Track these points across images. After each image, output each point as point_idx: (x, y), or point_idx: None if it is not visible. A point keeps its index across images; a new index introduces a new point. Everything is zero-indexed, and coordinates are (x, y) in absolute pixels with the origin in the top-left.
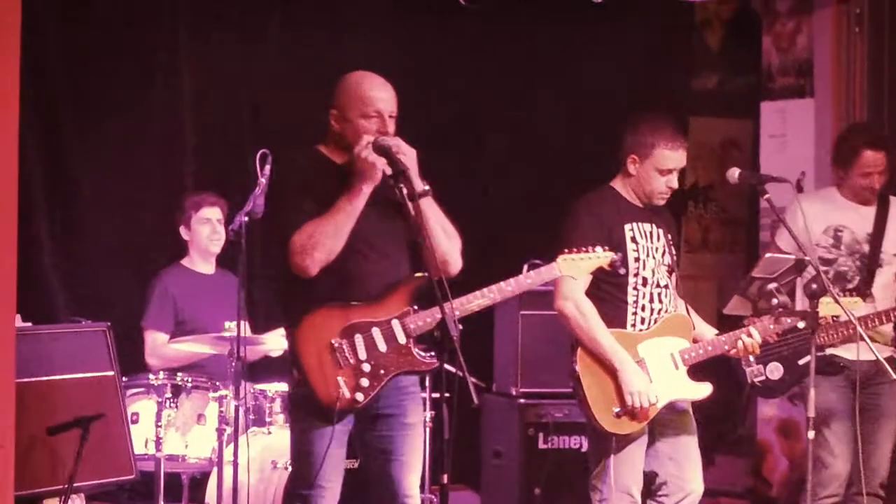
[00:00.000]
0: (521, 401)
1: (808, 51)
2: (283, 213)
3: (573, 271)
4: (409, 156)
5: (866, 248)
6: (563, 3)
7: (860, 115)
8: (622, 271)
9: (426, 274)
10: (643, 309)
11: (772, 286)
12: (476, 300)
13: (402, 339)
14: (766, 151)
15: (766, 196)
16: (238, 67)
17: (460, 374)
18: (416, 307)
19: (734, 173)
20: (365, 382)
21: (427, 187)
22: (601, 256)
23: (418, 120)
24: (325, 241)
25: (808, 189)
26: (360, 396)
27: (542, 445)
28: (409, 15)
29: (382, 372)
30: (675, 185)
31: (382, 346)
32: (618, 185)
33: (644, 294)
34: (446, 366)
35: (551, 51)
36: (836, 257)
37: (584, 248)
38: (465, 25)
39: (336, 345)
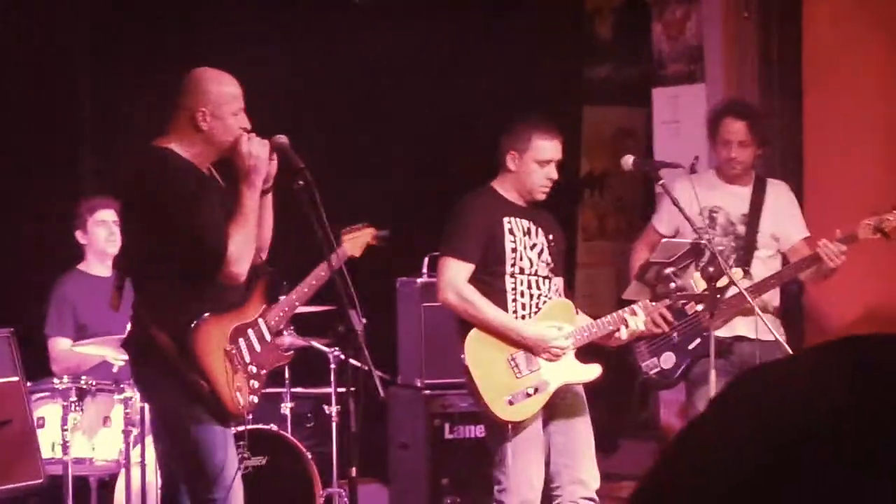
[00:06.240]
0: (426, 392)
1: (697, 37)
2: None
3: (355, 248)
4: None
5: (741, 228)
6: None
7: (751, 99)
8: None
9: (272, 268)
10: (522, 295)
11: (669, 270)
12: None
13: (268, 336)
14: (659, 138)
15: (661, 182)
16: (135, 70)
17: (366, 367)
18: (267, 304)
19: (628, 160)
20: (255, 384)
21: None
22: (369, 232)
23: (310, 116)
24: (251, 245)
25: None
26: (254, 399)
27: (448, 436)
28: (299, 13)
29: (263, 372)
30: (555, 176)
31: (258, 347)
32: (497, 185)
33: (521, 281)
34: (352, 360)
35: (446, 44)
36: (712, 237)
37: (358, 227)
38: (356, 22)
39: (232, 350)
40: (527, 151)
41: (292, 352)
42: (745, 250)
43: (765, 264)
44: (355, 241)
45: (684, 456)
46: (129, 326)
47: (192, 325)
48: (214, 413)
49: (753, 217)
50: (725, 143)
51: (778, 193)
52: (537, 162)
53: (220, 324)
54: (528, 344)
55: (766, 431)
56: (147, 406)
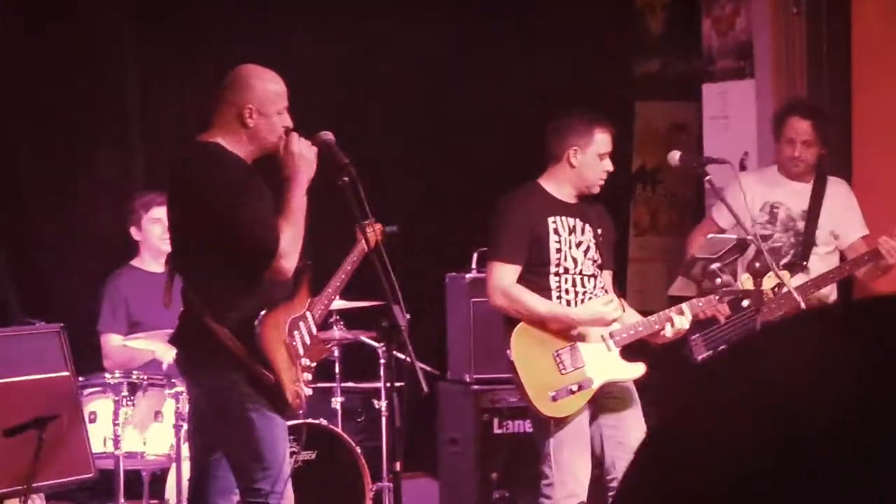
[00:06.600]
0: (475, 387)
1: (747, 33)
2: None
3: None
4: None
5: (801, 224)
6: None
7: (800, 95)
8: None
9: (310, 262)
10: (566, 293)
11: (715, 266)
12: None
13: (314, 329)
14: (709, 133)
15: (708, 178)
16: (183, 63)
17: (409, 361)
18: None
19: (675, 156)
20: (308, 377)
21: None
22: (378, 228)
23: (358, 111)
24: (299, 241)
25: (752, 168)
26: (308, 391)
27: (496, 430)
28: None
29: (314, 365)
30: (611, 168)
31: (307, 340)
32: (545, 181)
33: (566, 280)
34: (400, 354)
35: (495, 42)
36: (772, 233)
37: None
38: (406, 20)
39: (291, 343)
40: (590, 145)
41: (330, 345)
42: (804, 246)
43: (823, 260)
44: (375, 234)
45: (671, 454)
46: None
47: (258, 317)
48: (276, 405)
49: (813, 213)
50: (790, 141)
51: (838, 191)
52: (598, 155)
53: (279, 317)
54: (584, 323)
55: (765, 425)
56: (196, 399)
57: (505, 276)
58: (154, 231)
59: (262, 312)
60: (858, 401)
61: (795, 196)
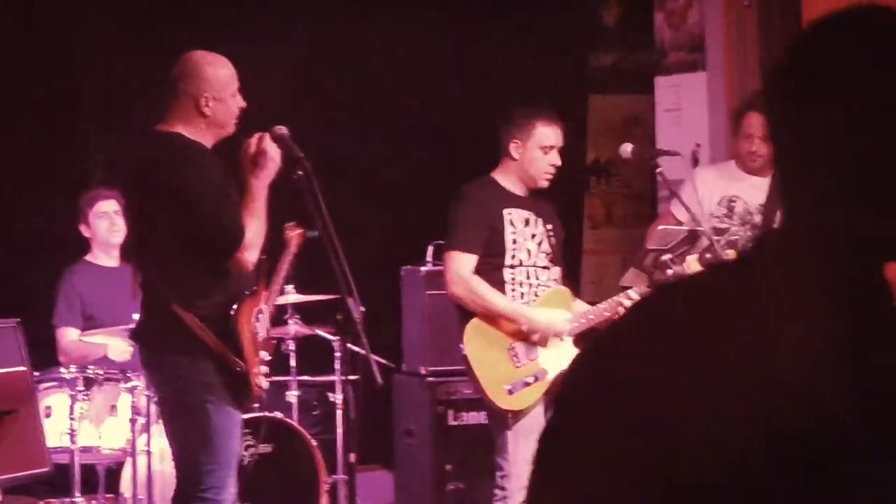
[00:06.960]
0: (430, 379)
1: (699, 26)
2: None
3: (294, 245)
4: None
5: (758, 218)
6: None
7: (752, 88)
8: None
9: (264, 256)
10: (521, 285)
11: (666, 257)
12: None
13: (268, 323)
14: (662, 125)
15: (659, 170)
16: (140, 61)
17: (364, 354)
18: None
19: (626, 149)
20: (265, 369)
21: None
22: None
23: (317, 105)
24: (262, 235)
25: (704, 160)
26: (266, 383)
27: (451, 422)
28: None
29: (269, 358)
30: (558, 162)
31: (263, 333)
32: (497, 174)
33: (520, 272)
34: (354, 347)
35: (451, 34)
36: (729, 227)
37: (292, 225)
38: (361, 16)
39: (255, 334)
40: (530, 139)
41: (275, 340)
42: None
43: None
44: (295, 239)
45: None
46: (139, 313)
47: (234, 307)
48: (239, 395)
49: (770, 207)
50: (747, 136)
51: None
52: (541, 148)
53: (247, 308)
54: (538, 329)
55: (756, 419)
56: (157, 392)
57: (464, 265)
58: (102, 225)
59: (235, 306)
60: (857, 402)
61: (753, 190)
